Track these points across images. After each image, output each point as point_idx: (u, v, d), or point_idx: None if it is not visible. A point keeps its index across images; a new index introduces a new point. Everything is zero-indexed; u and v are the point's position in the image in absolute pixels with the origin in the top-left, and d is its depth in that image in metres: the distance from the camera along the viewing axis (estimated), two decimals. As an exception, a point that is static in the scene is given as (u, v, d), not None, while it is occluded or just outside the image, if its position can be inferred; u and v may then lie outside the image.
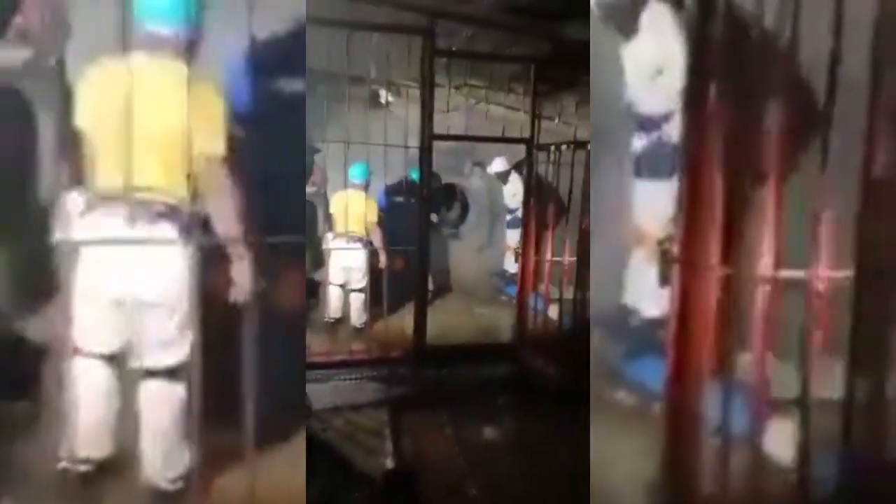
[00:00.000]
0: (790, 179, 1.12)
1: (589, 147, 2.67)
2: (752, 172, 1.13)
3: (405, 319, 3.08)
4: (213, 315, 1.18)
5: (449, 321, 3.97)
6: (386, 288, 3.01)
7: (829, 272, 1.09)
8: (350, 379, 2.86)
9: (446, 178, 5.03)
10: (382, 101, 3.77)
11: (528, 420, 2.63)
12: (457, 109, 3.09)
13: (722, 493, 1.12)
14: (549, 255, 3.14)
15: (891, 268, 1.07)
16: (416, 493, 2.04)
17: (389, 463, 2.23)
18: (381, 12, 2.87)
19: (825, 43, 1.04)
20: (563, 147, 2.90)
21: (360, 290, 3.63)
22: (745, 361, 1.15)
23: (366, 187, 3.41)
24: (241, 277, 1.34)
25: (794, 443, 1.09)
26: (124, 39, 1.01)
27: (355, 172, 3.40)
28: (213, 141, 1.33)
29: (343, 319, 3.65)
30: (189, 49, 1.17)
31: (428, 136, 2.88)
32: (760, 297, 1.13)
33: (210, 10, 1.37)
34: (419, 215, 2.96)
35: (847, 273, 1.08)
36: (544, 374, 2.98)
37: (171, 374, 1.43)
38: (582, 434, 2.41)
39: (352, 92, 2.72)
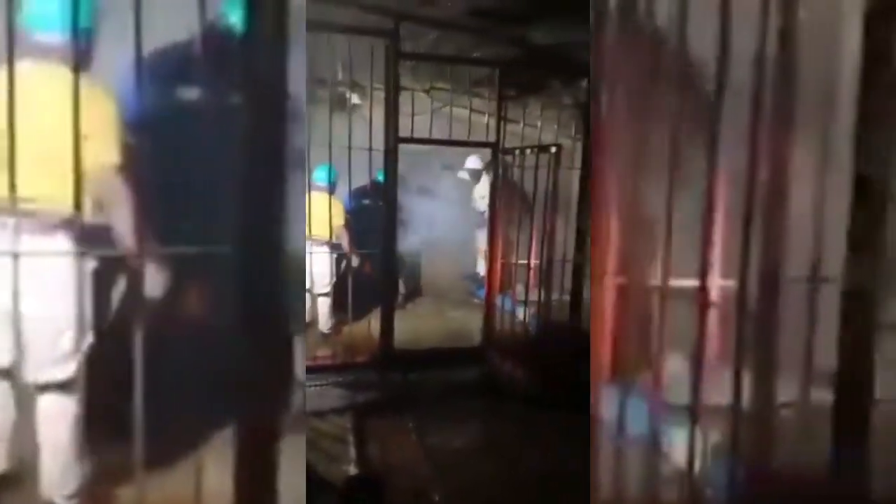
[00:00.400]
0: (686, 189, 1.13)
1: (551, 150, 2.69)
2: (651, 182, 1.14)
3: (375, 324, 3.04)
4: (112, 327, 1.14)
5: (420, 325, 3.95)
6: (356, 292, 2.97)
7: (722, 281, 1.11)
8: (314, 385, 2.81)
9: (417, 182, 5.03)
10: (350, 103, 3.73)
11: (493, 424, 2.62)
12: (426, 112, 3.07)
13: (618, 498, 1.14)
14: (515, 258, 3.14)
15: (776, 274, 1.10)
16: (379, 500, 2.02)
17: (352, 469, 2.19)
18: (345, 14, 2.84)
19: (712, 53, 1.07)
20: (528, 151, 2.91)
21: (326, 295, 3.57)
22: (648, 369, 1.16)
23: (331, 190, 3.36)
24: (136, 288, 1.30)
25: (691, 450, 1.11)
26: (9, 47, 0.96)
27: (319, 175, 3.35)
28: (106, 150, 1.29)
29: (310, 324, 3.59)
30: (80, 57, 1.13)
31: (393, 139, 2.86)
32: (659, 305, 1.14)
33: (104, 16, 1.33)
34: (385, 218, 2.93)
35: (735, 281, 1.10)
36: (511, 378, 2.98)
37: (63, 387, 1.39)
38: (551, 437, 2.44)
39: (318, 94, 2.69)
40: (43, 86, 1.22)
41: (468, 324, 4.00)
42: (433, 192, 5.17)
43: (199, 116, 1.21)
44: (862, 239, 1.06)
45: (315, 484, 2.05)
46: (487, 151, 3.14)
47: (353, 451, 2.32)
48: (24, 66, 1.00)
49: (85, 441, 1.41)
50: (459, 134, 2.97)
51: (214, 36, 1.08)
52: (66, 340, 1.37)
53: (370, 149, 2.81)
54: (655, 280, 1.12)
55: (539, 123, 3.08)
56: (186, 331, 1.34)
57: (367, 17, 2.82)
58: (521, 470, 2.26)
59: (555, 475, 2.19)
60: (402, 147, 2.90)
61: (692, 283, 1.10)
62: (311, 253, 3.14)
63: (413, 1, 2.72)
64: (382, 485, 2.08)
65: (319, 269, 3.42)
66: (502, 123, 3.00)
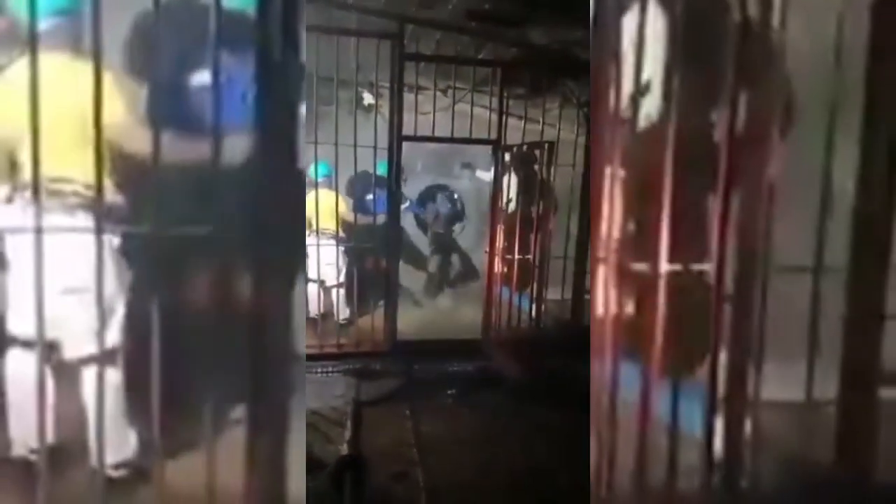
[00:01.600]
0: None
1: (545, 147, 2.72)
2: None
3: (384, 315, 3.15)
4: (146, 303, 1.22)
5: (434, 318, 4.07)
6: (365, 284, 3.10)
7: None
8: (319, 372, 2.97)
9: (436, 180, 5.14)
10: (365, 103, 3.87)
11: (482, 414, 2.68)
12: (440, 110, 3.17)
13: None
14: (515, 253, 3.19)
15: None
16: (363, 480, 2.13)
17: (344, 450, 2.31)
18: (354, 18, 2.99)
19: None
20: (525, 147, 2.95)
21: (338, 286, 3.72)
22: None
23: (331, 184, 3.48)
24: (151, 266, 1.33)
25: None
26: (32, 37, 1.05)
27: (320, 171, 3.48)
28: (123, 132, 1.38)
29: (324, 315, 3.74)
30: (80, 40, 1.24)
31: (397, 137, 2.98)
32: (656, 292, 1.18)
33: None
34: (388, 213, 3.05)
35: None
36: (508, 370, 3.04)
37: (102, 359, 1.42)
38: (539, 431, 2.49)
39: (330, 94, 2.83)
40: (54, 71, 1.26)
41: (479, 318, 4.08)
42: (456, 191, 5.27)
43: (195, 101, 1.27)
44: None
45: (309, 462, 2.19)
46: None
47: (348, 434, 2.44)
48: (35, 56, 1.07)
49: (131, 411, 1.50)
50: (477, 131, 3.07)
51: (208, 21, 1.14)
52: (103, 314, 1.39)
53: (374, 146, 2.94)
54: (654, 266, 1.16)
55: (541, 120, 3.12)
56: (192, 316, 1.41)
57: (375, 20, 2.94)
58: (501, 458, 2.32)
59: (531, 467, 2.26)
60: (425, 146, 2.99)
61: (693, 267, 1.15)
62: (319, 245, 3.28)
63: (415, 5, 2.82)
64: (365, 464, 2.20)
65: (329, 262, 3.56)
66: (504, 120, 3.06)
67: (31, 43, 1.05)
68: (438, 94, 3.43)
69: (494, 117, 3.16)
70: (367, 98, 3.78)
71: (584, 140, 3.06)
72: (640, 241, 1.23)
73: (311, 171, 3.32)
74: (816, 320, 1.23)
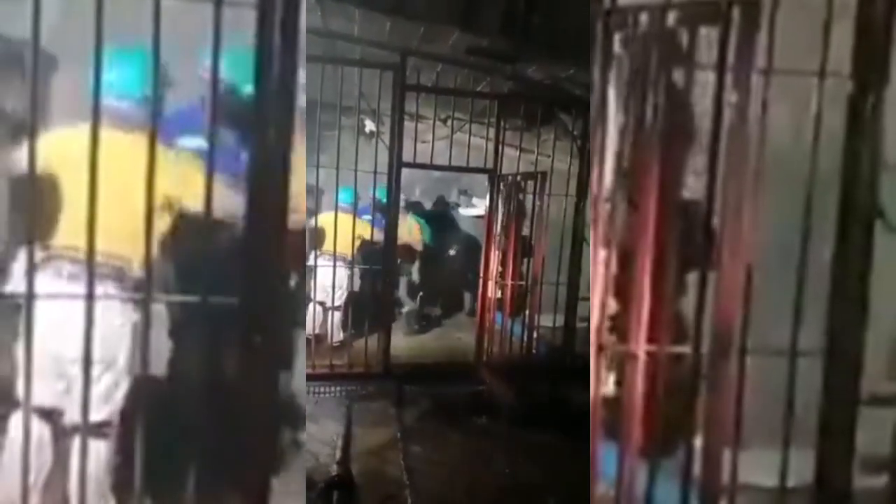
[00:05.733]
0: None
1: (538, 177, 2.82)
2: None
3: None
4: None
5: (429, 344, 4.11)
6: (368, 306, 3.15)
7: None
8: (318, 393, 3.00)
9: (435, 206, 5.24)
10: (367, 130, 4.00)
11: (472, 438, 2.71)
12: (440, 139, 3.28)
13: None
14: (508, 279, 3.25)
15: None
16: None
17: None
18: (359, 50, 3.14)
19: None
20: (519, 177, 3.05)
21: (337, 308, 3.76)
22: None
23: (351, 209, 3.55)
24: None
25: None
26: (95, 111, 1.04)
27: (343, 196, 3.58)
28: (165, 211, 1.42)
29: (321, 337, 3.77)
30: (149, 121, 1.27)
31: (396, 164, 3.08)
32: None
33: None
34: (385, 236, 3.12)
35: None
36: (500, 395, 3.07)
37: (98, 429, 1.44)
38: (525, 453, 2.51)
39: (334, 122, 2.95)
40: (112, 147, 1.21)
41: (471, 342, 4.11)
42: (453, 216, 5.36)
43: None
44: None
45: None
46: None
47: (338, 454, 2.46)
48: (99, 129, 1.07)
49: (121, 481, 1.47)
50: (475, 158, 3.16)
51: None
52: (107, 383, 1.43)
53: (374, 171, 3.05)
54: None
55: (536, 150, 3.23)
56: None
57: (378, 52, 3.09)
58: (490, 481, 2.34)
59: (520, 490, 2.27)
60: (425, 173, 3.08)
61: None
62: (327, 267, 3.32)
63: (417, 39, 2.96)
64: (355, 485, 2.21)
65: (334, 283, 3.59)
66: (500, 150, 3.17)
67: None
68: (438, 123, 3.56)
69: (491, 147, 3.28)
70: (369, 125, 3.91)
71: (576, 170, 3.17)
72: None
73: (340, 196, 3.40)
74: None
